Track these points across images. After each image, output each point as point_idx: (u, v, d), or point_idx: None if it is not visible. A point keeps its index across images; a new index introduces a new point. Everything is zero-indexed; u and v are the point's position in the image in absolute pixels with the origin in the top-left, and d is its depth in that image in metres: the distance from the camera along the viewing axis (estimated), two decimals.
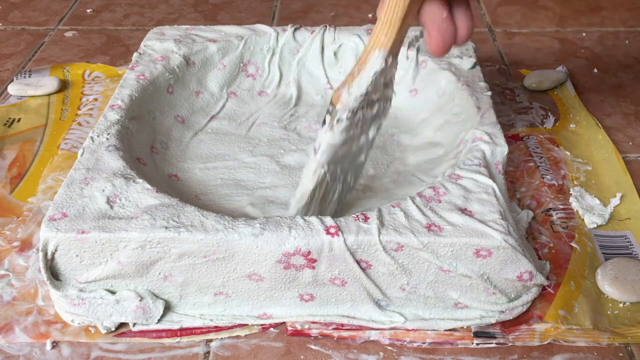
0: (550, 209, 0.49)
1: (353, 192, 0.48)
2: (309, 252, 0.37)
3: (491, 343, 0.39)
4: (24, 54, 0.73)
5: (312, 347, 0.39)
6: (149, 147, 0.50)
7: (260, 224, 0.38)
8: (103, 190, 0.40)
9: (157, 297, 0.40)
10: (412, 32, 0.59)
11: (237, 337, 0.40)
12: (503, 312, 0.40)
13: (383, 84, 0.40)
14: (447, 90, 0.54)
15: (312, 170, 0.42)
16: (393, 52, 0.39)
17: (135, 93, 0.51)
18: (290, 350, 0.39)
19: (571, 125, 0.59)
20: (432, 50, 0.37)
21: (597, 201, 0.49)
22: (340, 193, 0.44)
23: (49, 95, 0.64)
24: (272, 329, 0.41)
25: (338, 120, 0.40)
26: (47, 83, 0.64)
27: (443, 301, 0.40)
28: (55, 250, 0.38)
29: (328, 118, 0.40)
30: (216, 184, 0.49)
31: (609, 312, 0.41)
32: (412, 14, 0.37)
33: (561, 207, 0.49)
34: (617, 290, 0.42)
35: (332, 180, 0.42)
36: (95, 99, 0.63)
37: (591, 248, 0.46)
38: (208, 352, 0.39)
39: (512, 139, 0.57)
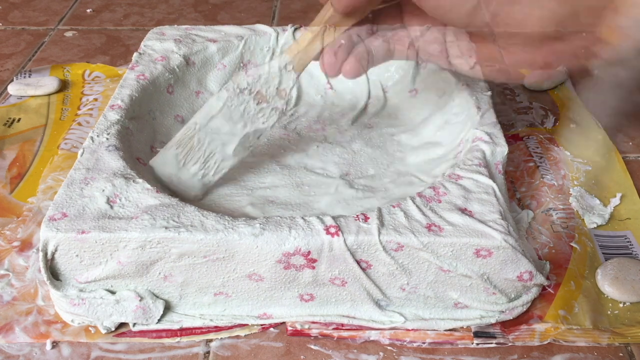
0: (550, 209, 0.49)
1: (352, 192, 0.48)
2: (309, 252, 0.37)
3: (491, 343, 0.39)
4: (24, 54, 0.73)
5: (312, 347, 0.39)
6: (149, 147, 0.50)
7: (260, 224, 0.38)
8: (103, 190, 0.40)
9: (157, 297, 0.40)
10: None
11: (237, 337, 0.40)
12: (503, 312, 0.40)
13: (277, 89, 0.45)
14: (447, 90, 0.54)
15: (186, 125, 0.46)
16: (297, 67, 0.44)
17: (135, 93, 0.51)
18: (290, 350, 0.39)
19: (571, 125, 0.59)
20: (322, 67, 0.43)
21: (597, 201, 0.49)
22: (201, 171, 0.46)
23: (49, 95, 0.64)
24: (272, 329, 0.41)
25: (226, 89, 0.45)
26: (47, 83, 0.64)
27: (443, 301, 0.40)
28: (55, 250, 0.38)
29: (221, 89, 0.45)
30: (216, 184, 0.49)
31: (609, 312, 0.41)
32: (321, 43, 0.43)
33: (561, 207, 0.49)
34: (617, 290, 0.42)
35: (197, 147, 0.45)
36: (95, 99, 0.63)
37: (591, 248, 0.46)
38: (208, 352, 0.39)
39: (512, 139, 0.57)
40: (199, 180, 0.46)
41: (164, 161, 0.45)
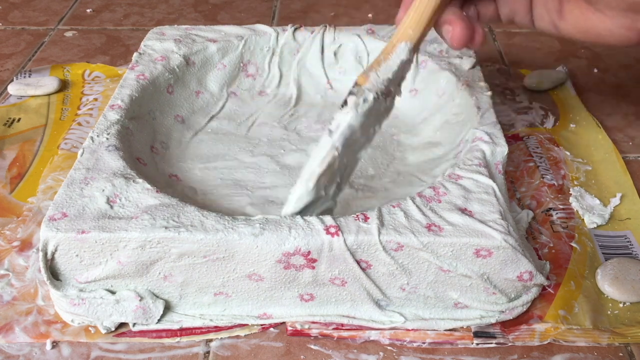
0: (550, 209, 0.49)
1: (352, 192, 0.48)
2: (309, 252, 0.37)
3: (491, 343, 0.39)
4: (24, 54, 0.73)
5: (312, 347, 0.39)
6: (149, 147, 0.50)
7: (260, 224, 0.38)
8: (103, 190, 0.40)
9: (157, 297, 0.40)
10: None
11: (237, 337, 0.40)
12: (503, 312, 0.40)
13: (399, 79, 0.42)
14: (447, 90, 0.54)
15: (324, 152, 0.40)
16: (415, 49, 0.41)
17: (135, 93, 0.51)
18: (290, 350, 0.39)
19: (571, 125, 0.59)
20: (455, 41, 0.40)
21: (597, 201, 0.49)
22: (336, 189, 0.43)
23: (49, 95, 0.64)
24: (272, 329, 0.41)
25: (364, 100, 0.40)
26: (47, 83, 0.64)
27: (443, 301, 0.40)
28: (55, 250, 0.38)
29: (352, 98, 0.40)
30: (216, 184, 0.49)
31: (609, 312, 0.41)
32: (437, 17, 0.40)
33: (561, 207, 0.49)
34: (617, 290, 0.42)
35: (336, 170, 0.41)
36: (95, 99, 0.63)
37: (591, 248, 0.46)
38: (208, 352, 0.39)
39: (512, 139, 0.57)
40: (335, 197, 0.43)
41: (304, 195, 0.40)
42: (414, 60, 0.41)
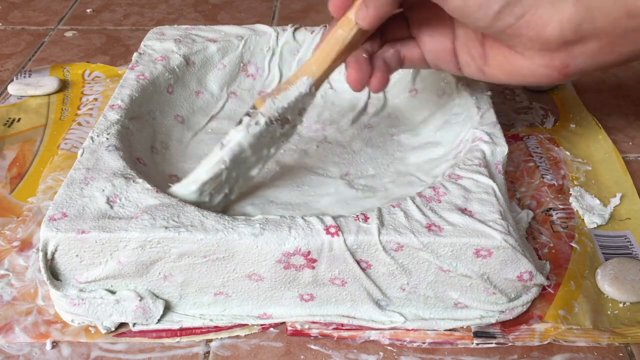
0: (550, 209, 0.49)
1: (352, 192, 0.48)
2: (309, 252, 0.37)
3: (491, 343, 0.39)
4: (24, 54, 0.73)
5: (312, 347, 0.39)
6: (149, 147, 0.50)
7: (260, 224, 0.38)
8: (103, 190, 0.40)
9: (157, 297, 0.40)
10: None
11: (237, 337, 0.40)
12: (503, 312, 0.40)
13: (298, 109, 0.44)
14: (447, 90, 0.54)
15: (212, 163, 0.42)
16: (316, 85, 0.43)
17: (135, 93, 0.51)
18: (290, 350, 0.39)
19: (571, 125, 0.59)
20: (350, 83, 0.42)
21: (597, 201, 0.49)
22: (223, 198, 0.45)
23: (49, 95, 0.64)
24: (272, 329, 0.41)
25: (256, 123, 0.42)
26: (47, 83, 0.64)
27: (443, 301, 0.40)
28: (55, 250, 0.38)
29: (246, 119, 0.42)
30: None
31: (609, 312, 0.41)
32: (341, 60, 0.43)
33: (561, 207, 0.49)
34: (617, 290, 0.42)
35: (224, 182, 0.43)
36: (95, 99, 0.63)
37: (591, 248, 0.46)
38: (208, 352, 0.39)
39: (512, 139, 0.57)
40: (220, 204, 0.45)
41: (185, 195, 0.43)
42: (316, 94, 0.44)
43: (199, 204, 0.41)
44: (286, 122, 0.44)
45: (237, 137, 0.42)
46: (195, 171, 0.43)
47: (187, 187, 0.43)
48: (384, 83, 0.43)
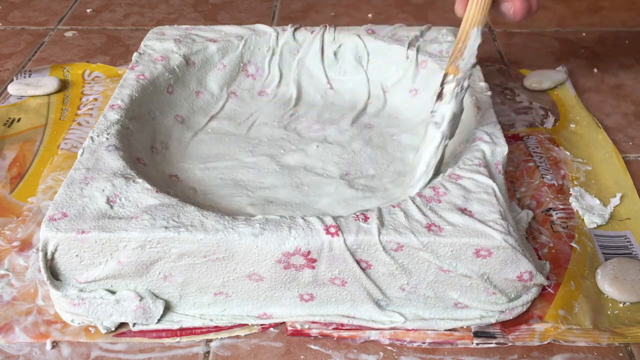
0: (550, 209, 0.49)
1: (352, 192, 0.48)
2: (309, 252, 0.37)
3: (491, 343, 0.39)
4: (24, 54, 0.73)
5: (312, 347, 0.39)
6: (149, 147, 0.50)
7: (260, 224, 0.38)
8: (103, 190, 0.40)
9: (157, 297, 0.40)
10: (413, 32, 0.59)
11: (237, 337, 0.40)
12: (503, 312, 0.40)
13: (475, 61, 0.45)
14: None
15: (436, 142, 0.43)
16: (484, 31, 0.44)
17: (135, 93, 0.51)
18: (290, 350, 0.39)
19: (571, 125, 0.59)
20: (519, 14, 0.44)
21: (597, 201, 0.49)
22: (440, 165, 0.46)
23: (49, 95, 0.64)
24: (272, 329, 0.41)
25: (462, 89, 0.43)
26: (47, 83, 0.64)
27: (443, 301, 0.40)
28: (55, 250, 0.38)
29: (449, 88, 0.43)
30: (216, 184, 0.49)
31: (609, 312, 0.41)
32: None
33: (561, 207, 0.49)
34: (617, 290, 0.42)
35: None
36: (95, 99, 0.63)
37: (591, 248, 0.46)
38: (208, 352, 0.39)
39: (512, 139, 0.57)
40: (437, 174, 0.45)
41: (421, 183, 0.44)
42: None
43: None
44: (470, 76, 0.45)
45: (451, 108, 0.43)
46: (423, 158, 0.44)
47: (424, 177, 0.43)
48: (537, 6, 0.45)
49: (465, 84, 0.44)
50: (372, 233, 0.37)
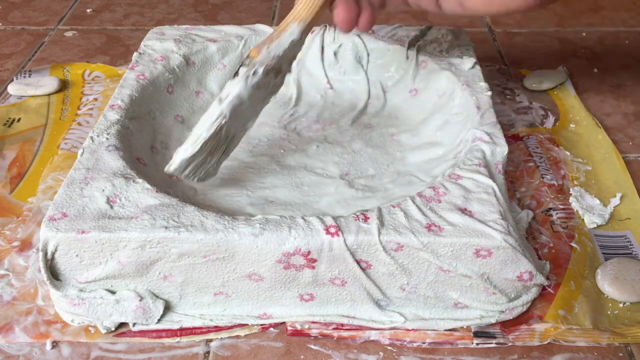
0: (550, 209, 0.49)
1: (352, 192, 0.48)
2: (309, 252, 0.37)
3: (491, 343, 0.39)
4: (24, 53, 0.73)
5: (312, 347, 0.39)
6: (149, 147, 0.50)
7: (260, 224, 0.38)
8: (103, 190, 0.40)
9: (157, 297, 0.40)
10: (413, 32, 0.60)
11: (237, 337, 0.40)
12: (503, 312, 0.40)
13: (289, 58, 0.44)
14: (447, 90, 0.54)
15: (213, 118, 0.42)
16: (307, 30, 0.44)
17: (135, 93, 0.51)
18: (290, 350, 0.39)
19: (571, 125, 0.59)
20: (339, 23, 0.43)
21: (597, 201, 0.49)
22: (221, 156, 0.45)
23: (49, 95, 0.64)
24: (272, 328, 0.41)
25: (254, 73, 0.42)
26: (47, 83, 0.64)
27: (443, 301, 0.40)
28: (55, 250, 0.38)
29: (243, 69, 0.42)
30: (216, 184, 0.49)
31: (609, 312, 0.41)
32: (327, 4, 0.44)
33: (561, 207, 0.49)
34: (617, 290, 0.42)
35: (224, 137, 0.43)
36: (95, 99, 0.63)
37: (591, 248, 0.46)
38: (208, 352, 0.39)
39: (512, 139, 0.57)
40: (217, 166, 0.45)
41: (184, 160, 0.43)
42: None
43: (199, 165, 0.42)
44: (279, 71, 0.44)
45: (237, 89, 0.42)
46: (195, 130, 0.43)
47: (190, 147, 0.42)
48: (371, 22, 0.44)
49: (260, 70, 0.42)
50: (372, 233, 0.37)
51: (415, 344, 0.39)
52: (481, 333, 0.40)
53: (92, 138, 0.45)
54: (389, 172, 0.50)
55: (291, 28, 0.43)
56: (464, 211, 0.39)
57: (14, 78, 0.67)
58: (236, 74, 0.42)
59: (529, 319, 0.41)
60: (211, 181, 0.49)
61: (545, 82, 0.64)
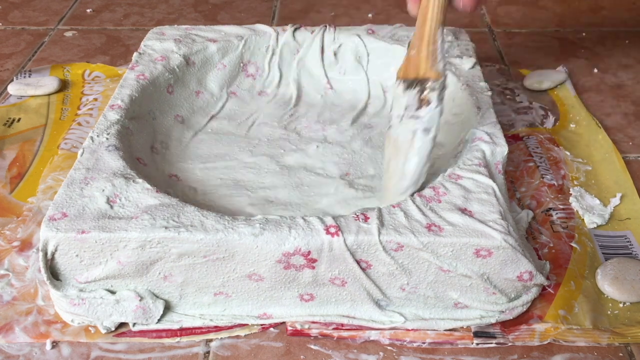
0: (550, 209, 0.49)
1: (352, 192, 0.48)
2: (309, 252, 0.37)
3: (491, 343, 0.39)
4: (24, 53, 0.73)
5: (312, 347, 0.39)
6: (149, 147, 0.50)
7: (260, 224, 0.38)
8: (103, 190, 0.40)
9: (157, 297, 0.40)
10: (413, 32, 0.59)
11: (237, 337, 0.40)
12: (503, 312, 0.40)
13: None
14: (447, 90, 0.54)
15: (428, 149, 0.42)
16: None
17: (135, 93, 0.51)
18: (290, 350, 0.39)
19: (571, 125, 0.59)
20: (469, 6, 0.44)
21: (597, 201, 0.49)
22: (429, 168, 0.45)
23: (49, 95, 0.64)
24: (272, 329, 0.41)
25: (443, 89, 0.42)
26: (47, 83, 0.64)
27: (443, 301, 0.40)
28: (55, 250, 0.38)
29: (434, 95, 0.42)
30: (216, 184, 0.49)
31: (609, 312, 0.41)
32: None
33: (561, 207, 0.49)
34: (617, 290, 0.42)
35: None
36: (95, 99, 0.63)
37: (591, 248, 0.46)
38: (208, 352, 0.39)
39: (512, 139, 0.57)
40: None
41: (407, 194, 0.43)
42: None
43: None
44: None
45: (437, 113, 0.42)
46: (412, 168, 0.42)
47: (413, 186, 0.42)
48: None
49: (447, 83, 0.43)
50: (372, 233, 0.37)
51: (415, 344, 0.39)
52: (481, 333, 0.40)
53: (92, 138, 0.45)
54: None
55: (439, 34, 0.43)
56: (464, 211, 0.39)
57: (14, 78, 0.67)
58: (424, 100, 0.42)
59: (529, 319, 0.41)
60: (211, 181, 0.49)
61: (545, 82, 0.64)
